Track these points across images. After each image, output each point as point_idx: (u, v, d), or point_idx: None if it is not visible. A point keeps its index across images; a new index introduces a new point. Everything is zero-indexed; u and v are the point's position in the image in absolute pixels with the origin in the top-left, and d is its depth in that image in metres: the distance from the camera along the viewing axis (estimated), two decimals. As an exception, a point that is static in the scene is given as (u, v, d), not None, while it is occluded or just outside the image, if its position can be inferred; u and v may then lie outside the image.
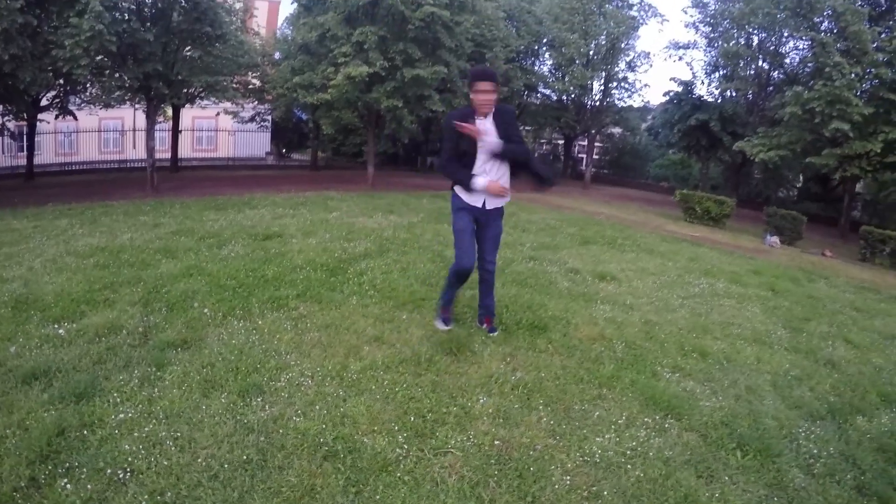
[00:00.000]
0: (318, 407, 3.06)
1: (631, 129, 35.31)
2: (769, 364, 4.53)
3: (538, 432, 2.99)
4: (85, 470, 2.46)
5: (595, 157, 37.57)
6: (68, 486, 2.36)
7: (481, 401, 3.27)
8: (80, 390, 3.12)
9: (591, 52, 25.89)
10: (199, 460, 2.55)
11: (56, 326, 4.11)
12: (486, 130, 3.85)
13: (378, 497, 2.38)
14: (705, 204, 16.78)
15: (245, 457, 2.58)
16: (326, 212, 10.50)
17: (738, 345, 4.90)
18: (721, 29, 24.89)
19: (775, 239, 14.43)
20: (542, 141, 40.35)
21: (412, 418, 2.99)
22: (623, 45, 26.25)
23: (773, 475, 2.89)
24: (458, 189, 4.12)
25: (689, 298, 6.34)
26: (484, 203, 4.04)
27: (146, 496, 2.31)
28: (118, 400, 3.06)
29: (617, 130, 36.24)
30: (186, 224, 8.52)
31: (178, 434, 2.75)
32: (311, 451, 2.66)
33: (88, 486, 2.35)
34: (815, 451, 3.16)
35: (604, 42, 25.70)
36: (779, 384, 4.15)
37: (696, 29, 26.77)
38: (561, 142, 38.35)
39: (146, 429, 2.78)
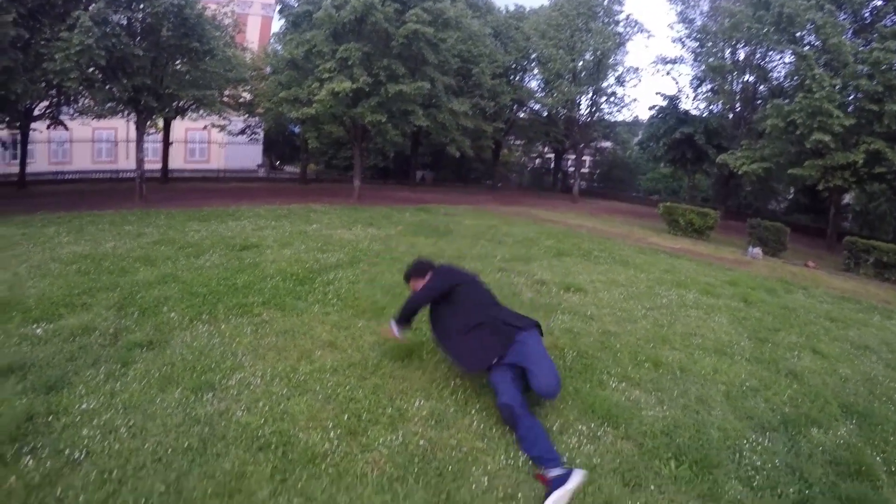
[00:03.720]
0: (262, 404, 3.26)
1: (621, 142, 35.58)
2: (726, 374, 4.47)
3: (468, 435, 3.12)
4: (47, 450, 2.69)
5: (585, 170, 37.83)
6: (31, 463, 2.59)
7: (417, 404, 3.41)
8: (51, 383, 3.37)
9: (578, 68, 26.21)
10: (147, 446, 2.77)
11: (35, 327, 4.34)
12: None
13: (300, 485, 2.58)
14: (689, 216, 16.80)
15: (188, 444, 2.80)
16: (307, 224, 10.68)
17: (697, 355, 4.86)
18: (708, 44, 25.20)
19: (758, 250, 14.30)
20: (533, 155, 40.64)
21: (347, 417, 3.16)
22: (611, 61, 26.58)
23: (708, 486, 2.87)
24: None
25: (655, 309, 6.30)
26: None
27: (96, 474, 2.53)
28: (83, 392, 3.29)
29: (607, 144, 36.54)
30: (169, 234, 8.72)
31: (132, 423, 2.97)
32: (248, 442, 2.86)
33: (48, 464, 2.58)
34: (759, 463, 3.14)
35: (590, 58, 26.02)
36: (732, 395, 4.08)
37: (683, 44, 27.16)
38: (551, 156, 38.68)
39: (104, 417, 3.00)
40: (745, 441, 3.38)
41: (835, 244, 19.32)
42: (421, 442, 2.98)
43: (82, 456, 2.67)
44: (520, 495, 2.64)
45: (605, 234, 14.10)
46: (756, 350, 5.24)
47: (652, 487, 2.82)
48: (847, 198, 24.59)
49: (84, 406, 3.13)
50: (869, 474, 3.10)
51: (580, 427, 3.34)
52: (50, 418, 3.00)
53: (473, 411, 3.41)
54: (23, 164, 20.10)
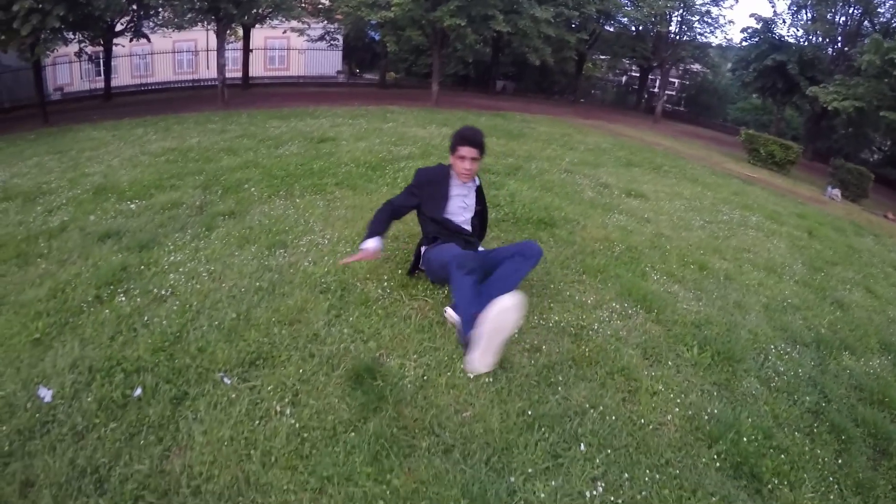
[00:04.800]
0: (326, 259, 3.67)
1: (711, 66, 33.67)
2: (770, 290, 4.45)
3: (507, 298, 3.40)
4: (137, 291, 3.19)
5: (672, 92, 36.18)
6: (123, 300, 3.09)
7: (466, 267, 3.71)
8: (143, 243, 3.90)
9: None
10: (224, 286, 3.24)
11: (129, 203, 4.91)
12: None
13: (352, 320, 2.98)
14: (770, 147, 16.02)
15: (258, 286, 3.25)
16: (383, 122, 10.88)
17: (745, 268, 4.86)
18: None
19: (837, 192, 13.69)
20: (618, 72, 39.01)
21: (401, 272, 3.51)
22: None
23: (726, 376, 2.98)
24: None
25: (714, 223, 6.24)
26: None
27: (178, 305, 3.02)
28: (171, 249, 3.80)
29: (697, 67, 34.65)
30: (250, 130, 9.20)
31: (213, 269, 3.45)
32: (311, 286, 3.28)
33: (138, 300, 3.08)
34: (782, 370, 3.19)
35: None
36: (771, 307, 4.10)
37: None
38: (637, 74, 37.09)
39: (189, 266, 3.50)
40: (773, 347, 3.45)
41: (925, 205, 18.07)
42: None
43: (168, 293, 3.16)
44: (544, 348, 2.92)
45: (681, 154, 13.66)
46: (807, 276, 5.14)
47: (670, 364, 2.99)
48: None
49: (171, 259, 3.63)
50: (891, 406, 3.12)
51: (614, 305, 3.55)
52: (141, 268, 3.50)
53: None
54: (107, 77, 21.45)
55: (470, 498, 1.98)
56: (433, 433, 2.27)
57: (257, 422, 2.25)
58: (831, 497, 2.33)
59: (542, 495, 2.03)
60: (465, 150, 3.32)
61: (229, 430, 2.20)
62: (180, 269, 3.45)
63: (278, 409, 2.32)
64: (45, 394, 2.37)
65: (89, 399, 2.34)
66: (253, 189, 5.24)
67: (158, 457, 2.08)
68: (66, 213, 4.76)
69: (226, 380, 2.47)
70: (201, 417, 2.26)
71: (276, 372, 2.53)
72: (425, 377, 2.56)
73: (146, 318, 2.90)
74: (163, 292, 3.16)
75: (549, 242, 4.49)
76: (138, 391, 2.38)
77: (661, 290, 3.96)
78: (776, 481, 2.32)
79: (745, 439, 2.49)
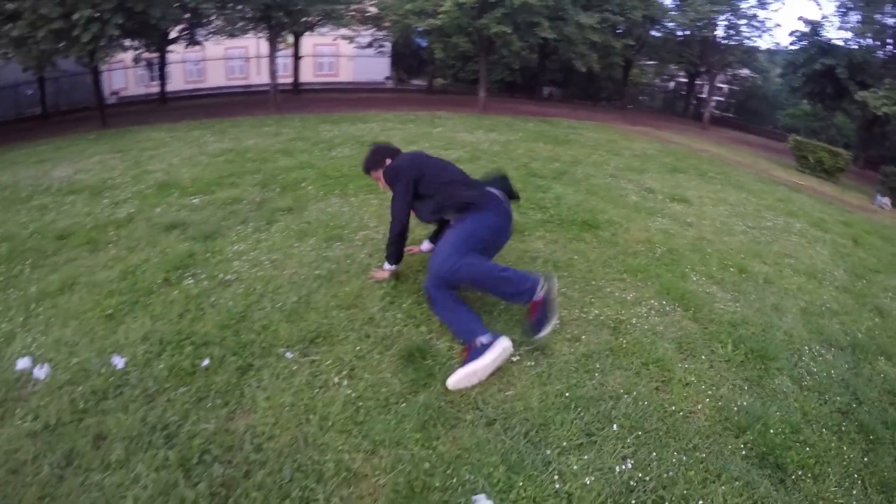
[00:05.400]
0: (381, 252, 3.83)
1: (759, 71, 32.93)
2: (809, 294, 4.42)
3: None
4: (204, 275, 3.51)
5: (721, 98, 35.53)
6: (190, 282, 3.42)
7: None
8: (208, 234, 4.26)
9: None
10: (285, 273, 3.54)
11: (192, 198, 5.30)
12: None
13: (405, 306, 3.22)
14: (819, 153, 15.64)
15: (318, 274, 3.53)
16: (432, 127, 11.21)
17: (785, 272, 4.83)
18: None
19: (886, 200, 13.27)
20: (664, 77, 38.44)
21: (452, 264, 3.72)
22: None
23: (758, 373, 3.02)
24: None
25: (756, 229, 6.20)
26: None
27: (243, 289, 3.33)
28: (234, 239, 4.14)
29: (746, 72, 33.95)
30: (304, 133, 9.63)
31: (274, 258, 3.76)
32: (367, 276, 3.52)
33: (204, 283, 3.40)
34: (815, 370, 3.20)
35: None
36: (809, 311, 4.07)
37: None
38: (685, 80, 36.53)
39: (251, 255, 3.82)
40: (807, 349, 3.46)
41: (982, 218, 17.36)
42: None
43: (232, 278, 3.47)
44: (583, 338, 3.08)
45: (728, 161, 13.46)
46: (849, 283, 5.05)
47: (704, 359, 3.06)
48: None
49: (235, 248, 3.96)
50: (924, 411, 3.10)
51: (653, 302, 3.65)
52: (207, 256, 3.84)
53: (563, 276, 3.86)
54: (162, 82, 22.74)
55: (508, 465, 2.17)
56: (477, 408, 2.47)
57: (316, 391, 2.51)
58: (854, 492, 2.37)
59: (575, 467, 2.20)
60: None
61: (290, 397, 2.46)
62: (243, 258, 3.76)
63: (336, 380, 2.57)
64: (119, 361, 2.66)
65: (160, 367, 2.63)
66: (309, 187, 5.57)
67: (224, 418, 2.34)
68: (132, 205, 5.18)
69: (288, 354, 2.73)
70: (264, 386, 2.52)
71: (334, 349, 2.79)
72: (472, 358, 2.75)
73: (213, 300, 3.20)
74: (228, 277, 3.46)
75: (593, 243, 4.62)
76: (206, 361, 2.66)
77: (700, 290, 4.02)
78: (800, 473, 2.38)
79: (772, 431, 2.56)
